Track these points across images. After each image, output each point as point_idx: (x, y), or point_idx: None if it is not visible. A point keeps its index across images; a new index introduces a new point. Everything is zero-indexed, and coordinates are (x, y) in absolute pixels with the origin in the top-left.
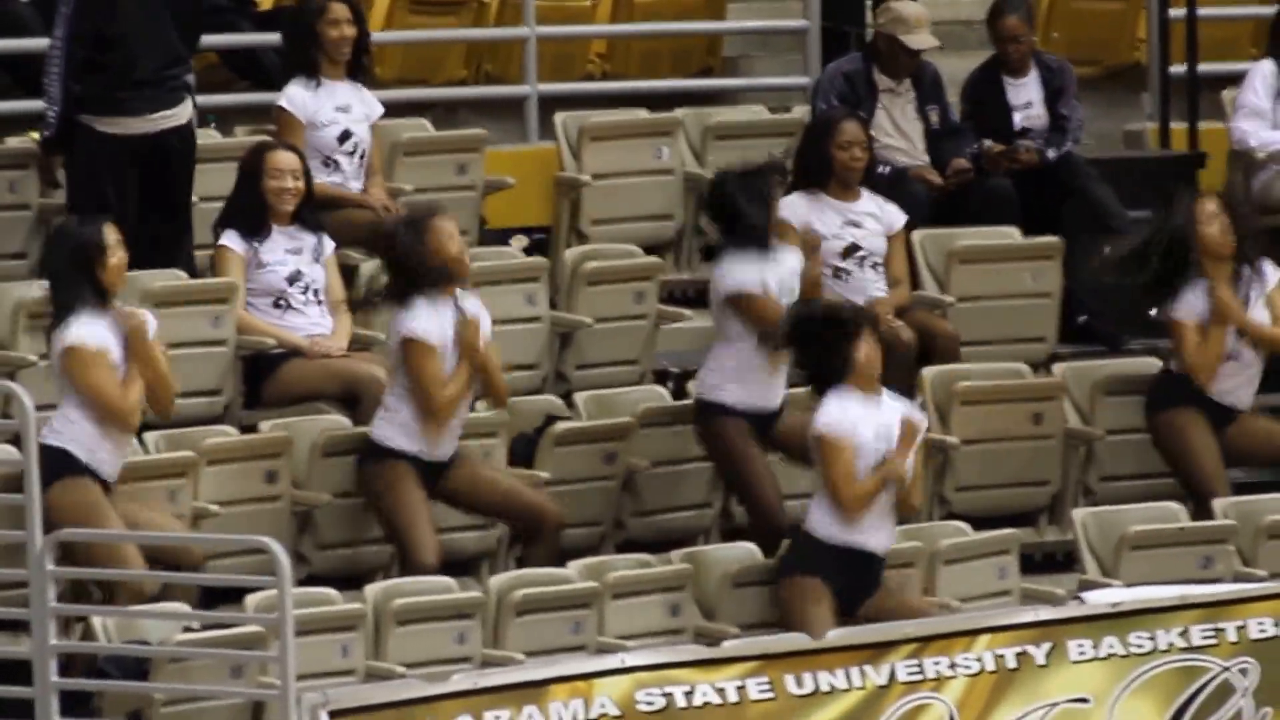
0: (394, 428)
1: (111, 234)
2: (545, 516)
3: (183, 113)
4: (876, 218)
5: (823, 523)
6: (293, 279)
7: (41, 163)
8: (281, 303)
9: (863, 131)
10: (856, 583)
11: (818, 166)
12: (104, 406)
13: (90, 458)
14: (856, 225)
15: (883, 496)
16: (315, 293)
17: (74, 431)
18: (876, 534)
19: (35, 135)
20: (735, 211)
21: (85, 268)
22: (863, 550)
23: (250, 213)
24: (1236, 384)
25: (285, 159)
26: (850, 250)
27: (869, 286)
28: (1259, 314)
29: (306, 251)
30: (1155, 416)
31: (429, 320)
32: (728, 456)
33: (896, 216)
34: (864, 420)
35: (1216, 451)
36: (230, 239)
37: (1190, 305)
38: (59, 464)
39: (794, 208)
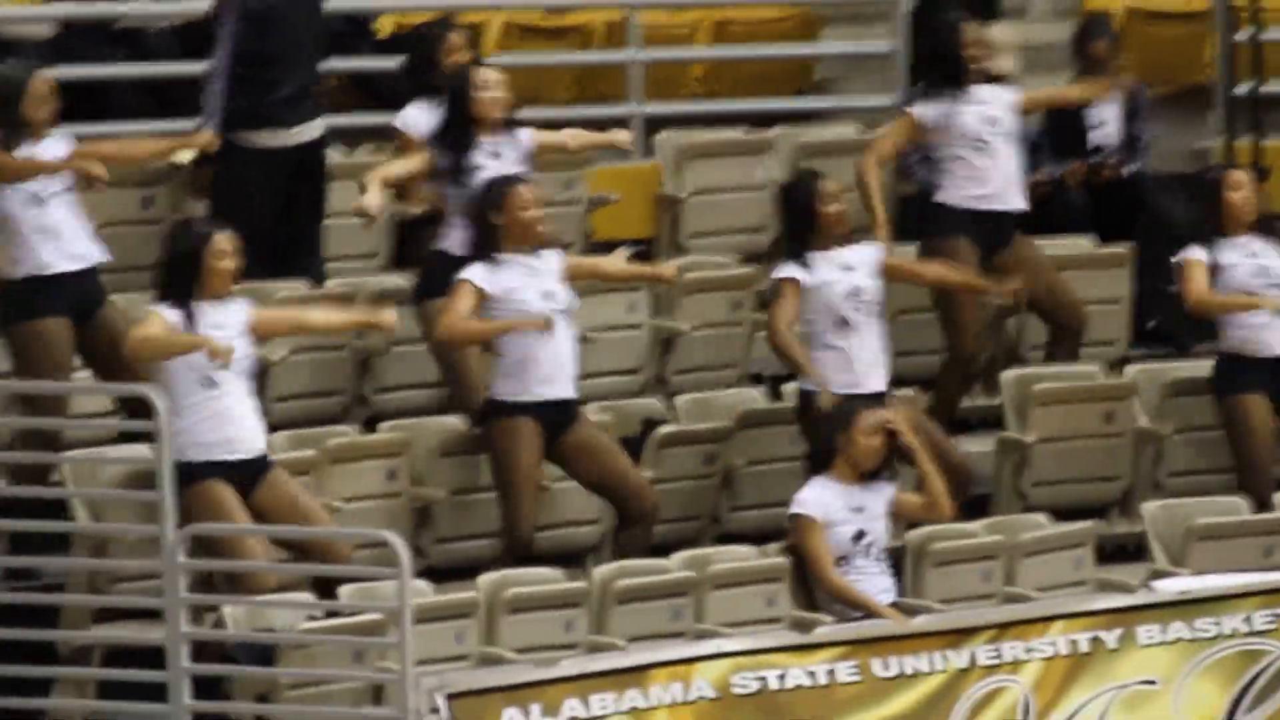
0: (505, 379)
1: (222, 240)
2: (644, 498)
3: (318, 127)
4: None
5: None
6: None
7: (194, 175)
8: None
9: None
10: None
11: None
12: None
13: (204, 453)
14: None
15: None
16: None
17: (182, 436)
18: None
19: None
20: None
21: (190, 265)
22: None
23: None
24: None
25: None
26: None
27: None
28: None
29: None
30: (1220, 400)
31: (484, 271)
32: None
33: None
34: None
35: (1272, 444)
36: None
37: (1200, 252)
38: (180, 477)
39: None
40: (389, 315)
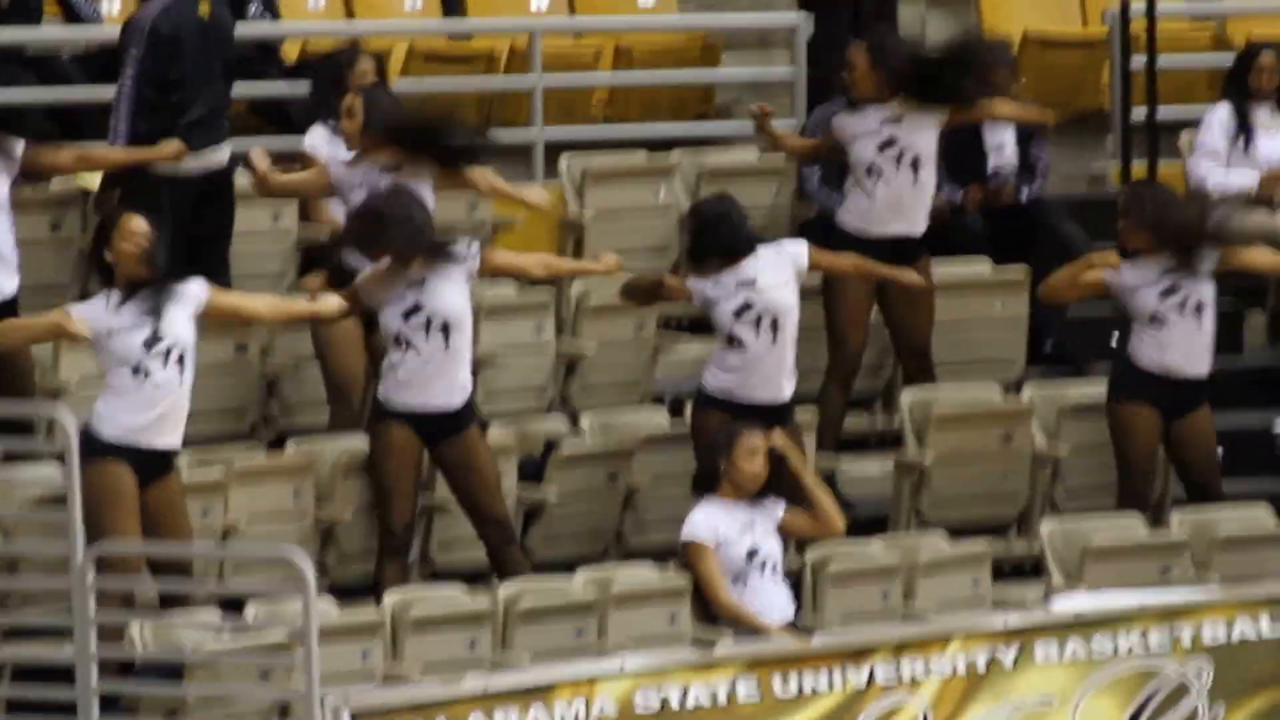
0: (390, 384)
1: (136, 222)
2: (503, 531)
3: (225, 152)
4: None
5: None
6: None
7: (100, 197)
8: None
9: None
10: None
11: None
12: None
13: (117, 434)
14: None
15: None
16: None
17: (100, 408)
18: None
19: (82, 181)
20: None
21: (98, 243)
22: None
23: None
24: (1180, 351)
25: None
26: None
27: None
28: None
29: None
30: (1110, 403)
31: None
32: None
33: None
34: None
35: (1154, 455)
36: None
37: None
38: (85, 445)
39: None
40: (329, 303)
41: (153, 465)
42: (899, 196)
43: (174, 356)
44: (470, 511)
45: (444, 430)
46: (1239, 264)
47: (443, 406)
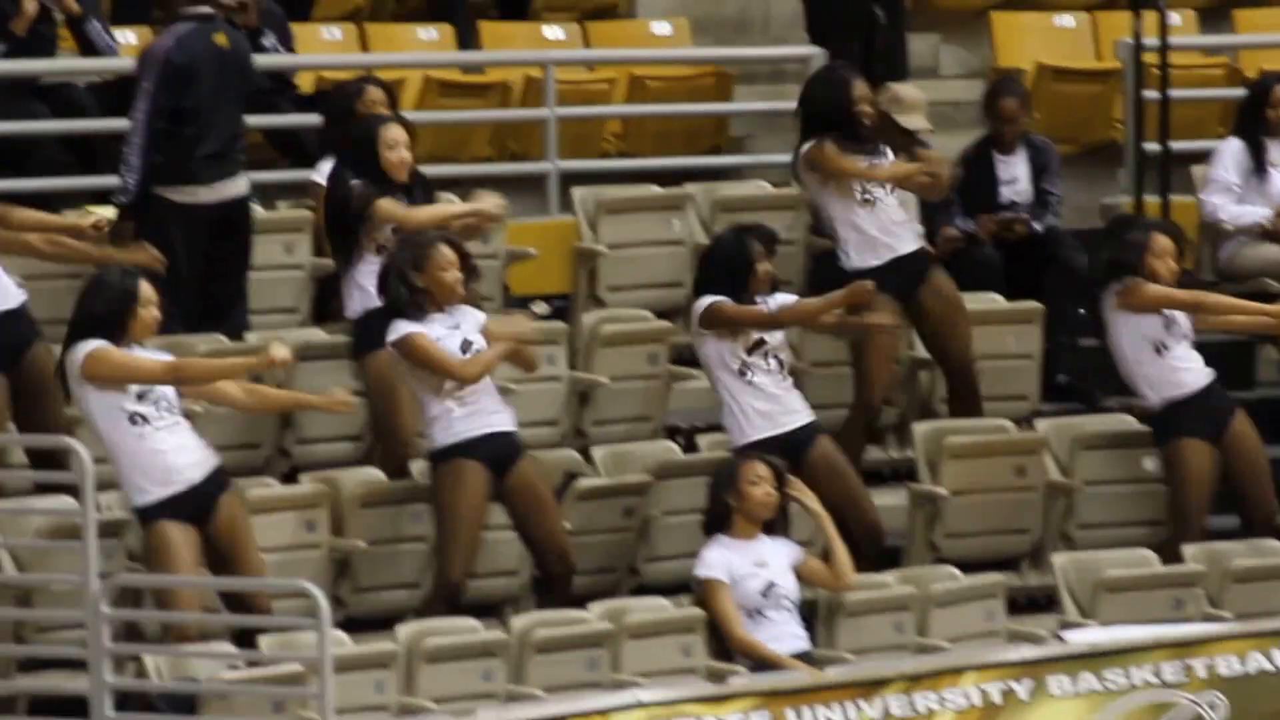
0: (442, 427)
1: (147, 289)
2: (565, 561)
3: (242, 183)
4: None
5: None
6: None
7: (117, 229)
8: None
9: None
10: None
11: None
12: (147, 373)
13: (148, 494)
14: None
15: None
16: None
17: (124, 479)
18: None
19: (93, 209)
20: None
21: (117, 316)
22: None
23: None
24: (1189, 363)
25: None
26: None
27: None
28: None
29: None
30: (1163, 445)
31: (419, 325)
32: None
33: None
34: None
35: (1209, 492)
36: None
37: None
38: (140, 516)
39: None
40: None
41: (195, 500)
42: (889, 219)
43: (164, 402)
44: (533, 542)
45: (511, 453)
46: (1220, 325)
47: (505, 426)
